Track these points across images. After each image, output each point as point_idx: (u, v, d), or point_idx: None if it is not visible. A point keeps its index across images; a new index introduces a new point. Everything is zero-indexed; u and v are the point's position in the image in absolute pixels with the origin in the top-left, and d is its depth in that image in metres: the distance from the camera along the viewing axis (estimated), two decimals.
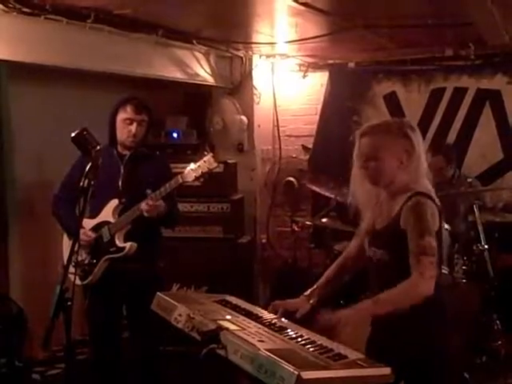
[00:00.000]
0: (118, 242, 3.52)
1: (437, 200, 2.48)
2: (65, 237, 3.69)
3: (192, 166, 3.39)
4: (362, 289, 2.64)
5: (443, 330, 2.53)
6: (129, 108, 3.55)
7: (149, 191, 3.43)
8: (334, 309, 2.36)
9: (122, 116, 3.57)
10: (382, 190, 2.60)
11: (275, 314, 2.52)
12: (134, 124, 3.55)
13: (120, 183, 3.57)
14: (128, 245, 3.50)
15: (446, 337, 2.55)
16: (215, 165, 3.40)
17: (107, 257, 3.53)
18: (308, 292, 2.68)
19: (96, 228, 3.57)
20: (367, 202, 2.64)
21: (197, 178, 3.40)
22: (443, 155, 4.95)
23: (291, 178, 5.92)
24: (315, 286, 2.71)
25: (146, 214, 3.42)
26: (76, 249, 2.63)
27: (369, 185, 2.59)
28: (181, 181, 3.40)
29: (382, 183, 2.54)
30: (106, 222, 3.55)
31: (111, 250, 3.53)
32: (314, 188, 5.49)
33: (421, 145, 2.53)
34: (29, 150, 4.68)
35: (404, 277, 2.35)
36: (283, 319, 2.45)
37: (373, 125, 2.57)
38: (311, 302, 2.65)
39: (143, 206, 3.41)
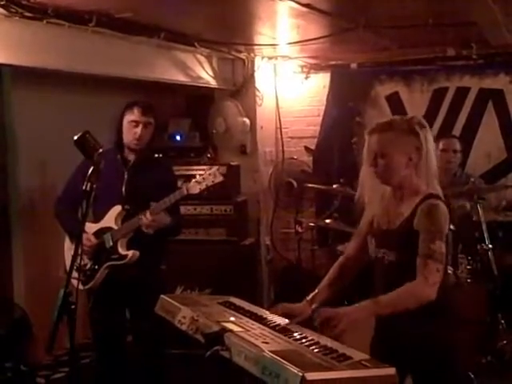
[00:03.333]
0: (121, 250, 3.52)
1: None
2: (67, 241, 3.69)
3: (198, 178, 3.41)
4: (366, 290, 2.63)
5: (448, 329, 2.52)
6: (136, 110, 3.57)
7: (153, 204, 3.43)
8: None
9: (128, 118, 3.58)
10: (388, 189, 2.59)
11: (282, 316, 2.51)
12: (140, 126, 3.56)
13: (124, 189, 3.57)
14: (130, 253, 3.49)
15: (451, 337, 2.55)
16: (221, 178, 3.44)
17: (109, 264, 3.53)
18: (310, 297, 2.67)
19: (98, 233, 3.57)
20: (373, 200, 2.64)
21: (201, 191, 3.42)
22: (457, 138, 4.97)
23: (291, 179, 5.91)
24: (317, 291, 2.69)
25: (144, 230, 3.43)
26: (79, 252, 2.63)
27: (377, 183, 2.58)
28: (185, 193, 3.43)
29: (392, 181, 2.54)
30: (109, 228, 3.55)
31: (113, 257, 3.53)
32: (318, 189, 5.49)
33: (430, 142, 2.52)
34: (32, 155, 4.69)
35: (410, 278, 2.35)
36: (287, 320, 2.45)
37: (382, 122, 2.57)
38: (313, 306, 2.64)
39: (142, 220, 3.41)
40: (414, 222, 2.43)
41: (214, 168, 3.46)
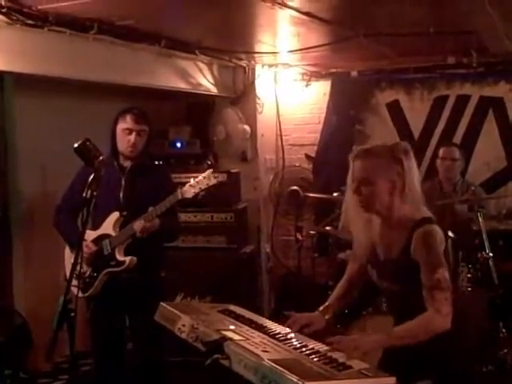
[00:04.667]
0: (119, 256, 3.51)
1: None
2: (66, 248, 3.69)
3: (192, 182, 3.41)
4: (366, 301, 2.64)
5: (448, 338, 2.51)
6: (128, 118, 3.56)
7: (151, 208, 3.43)
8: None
9: (121, 126, 3.58)
10: (375, 217, 2.57)
11: (291, 325, 2.51)
12: (133, 134, 3.56)
13: (121, 195, 3.57)
14: (128, 259, 3.49)
15: (452, 345, 2.54)
16: (214, 181, 3.42)
17: (107, 270, 3.53)
18: (322, 308, 2.69)
19: (97, 240, 3.57)
20: (361, 228, 2.61)
21: (196, 194, 3.42)
22: (456, 146, 4.98)
23: (296, 187, 5.90)
24: (328, 302, 2.72)
25: (138, 235, 3.43)
26: (79, 260, 2.63)
27: (362, 212, 2.55)
28: (180, 197, 3.42)
29: (375, 209, 2.51)
30: (107, 235, 3.55)
31: (111, 263, 3.52)
32: (318, 197, 5.49)
33: (413, 168, 2.49)
34: (32, 161, 4.69)
35: (418, 306, 2.35)
36: (288, 329, 2.45)
37: (366, 148, 2.55)
38: (326, 317, 2.65)
39: (136, 225, 3.41)
40: (411, 251, 2.42)
41: (209, 171, 3.45)
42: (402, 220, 2.48)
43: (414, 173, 2.50)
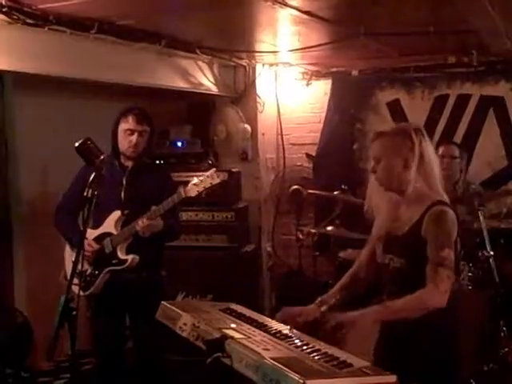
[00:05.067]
0: (120, 255, 3.52)
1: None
2: (67, 247, 3.70)
3: (195, 180, 3.41)
4: (375, 292, 2.64)
5: (450, 336, 2.52)
6: (130, 118, 3.56)
7: (154, 207, 3.43)
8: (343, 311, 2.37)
9: (123, 126, 3.58)
10: (395, 195, 2.60)
11: (285, 320, 2.52)
12: (135, 134, 3.56)
13: (122, 195, 3.58)
14: (130, 258, 3.50)
15: (453, 344, 2.55)
16: (218, 180, 3.42)
17: (109, 269, 3.54)
18: (319, 300, 2.70)
19: (98, 239, 3.58)
20: (380, 207, 2.65)
21: (199, 193, 3.42)
22: (456, 144, 4.98)
23: (298, 186, 5.90)
24: (327, 295, 2.73)
25: (140, 234, 3.43)
26: (80, 258, 2.63)
27: (382, 191, 2.61)
28: (183, 196, 3.41)
29: (393, 185, 2.56)
30: (108, 234, 3.55)
31: (113, 262, 3.53)
32: (319, 196, 5.49)
33: (427, 148, 2.54)
34: (33, 161, 4.69)
35: (420, 284, 2.36)
36: (288, 327, 2.45)
37: (380, 131, 2.63)
38: (322, 309, 2.66)
39: (138, 224, 3.41)
40: (421, 228, 2.44)
41: (212, 170, 3.45)
42: (419, 196, 2.50)
43: (429, 152, 2.54)
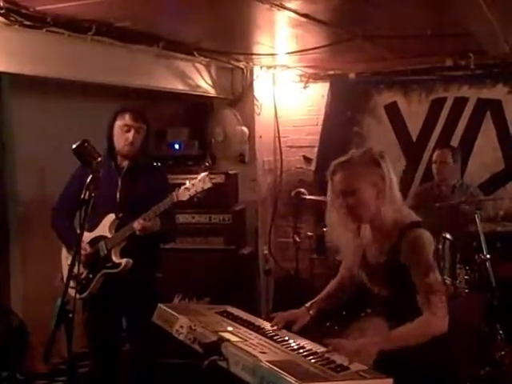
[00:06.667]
0: (115, 258, 3.51)
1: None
2: (63, 250, 3.69)
3: (187, 184, 3.40)
4: (364, 302, 2.64)
5: (446, 340, 2.52)
6: (127, 116, 3.57)
7: (148, 212, 3.43)
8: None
9: (119, 123, 3.58)
10: (364, 225, 2.57)
11: (278, 325, 2.53)
12: (132, 131, 3.56)
13: (118, 197, 3.57)
14: (124, 261, 3.49)
15: (449, 347, 2.54)
16: (209, 184, 3.41)
17: (103, 272, 3.53)
18: (309, 304, 2.73)
19: (93, 242, 3.57)
20: (351, 239, 2.61)
21: (191, 197, 3.41)
22: (450, 149, 5.00)
23: (300, 190, 5.89)
24: (316, 299, 2.76)
25: (138, 233, 3.43)
26: (77, 260, 2.63)
27: (348, 223, 2.54)
28: (175, 200, 3.41)
29: (364, 218, 2.50)
30: (103, 237, 3.55)
31: (107, 265, 3.52)
32: (318, 199, 5.49)
33: (392, 172, 2.48)
34: (30, 163, 4.68)
35: (410, 310, 2.35)
36: (284, 330, 2.45)
37: (341, 161, 2.53)
38: (311, 312, 2.67)
39: (135, 224, 3.41)
40: (400, 255, 2.41)
41: (204, 174, 3.43)
42: (391, 224, 2.46)
43: (393, 175, 2.48)
